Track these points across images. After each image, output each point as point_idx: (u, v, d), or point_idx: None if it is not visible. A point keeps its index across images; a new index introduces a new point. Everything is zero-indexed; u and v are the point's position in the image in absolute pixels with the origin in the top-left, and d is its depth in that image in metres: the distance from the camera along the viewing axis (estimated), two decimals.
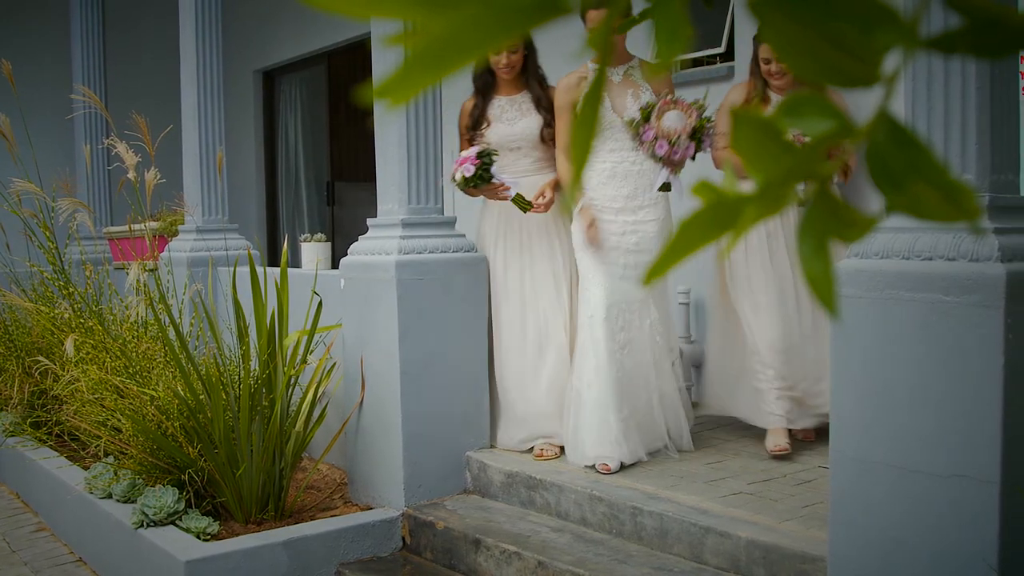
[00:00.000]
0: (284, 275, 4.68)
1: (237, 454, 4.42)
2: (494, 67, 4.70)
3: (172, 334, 4.67)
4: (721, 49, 6.20)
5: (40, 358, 5.87)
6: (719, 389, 4.99)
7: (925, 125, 2.72)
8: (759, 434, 4.73)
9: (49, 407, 6.17)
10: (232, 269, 5.25)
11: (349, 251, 4.83)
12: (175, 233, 7.07)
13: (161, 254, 6.76)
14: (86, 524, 4.94)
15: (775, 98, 4.64)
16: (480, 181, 4.43)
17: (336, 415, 4.96)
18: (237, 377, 4.55)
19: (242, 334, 4.66)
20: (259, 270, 4.77)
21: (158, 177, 5.11)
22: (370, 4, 0.45)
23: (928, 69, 2.69)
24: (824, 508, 3.45)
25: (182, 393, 4.49)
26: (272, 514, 4.52)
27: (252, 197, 10.88)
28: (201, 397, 4.47)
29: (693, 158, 4.26)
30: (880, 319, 2.77)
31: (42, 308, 6.33)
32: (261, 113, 11.01)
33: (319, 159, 10.49)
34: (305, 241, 6.46)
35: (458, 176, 4.45)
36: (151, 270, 5.54)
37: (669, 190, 4.38)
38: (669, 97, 4.29)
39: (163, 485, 4.48)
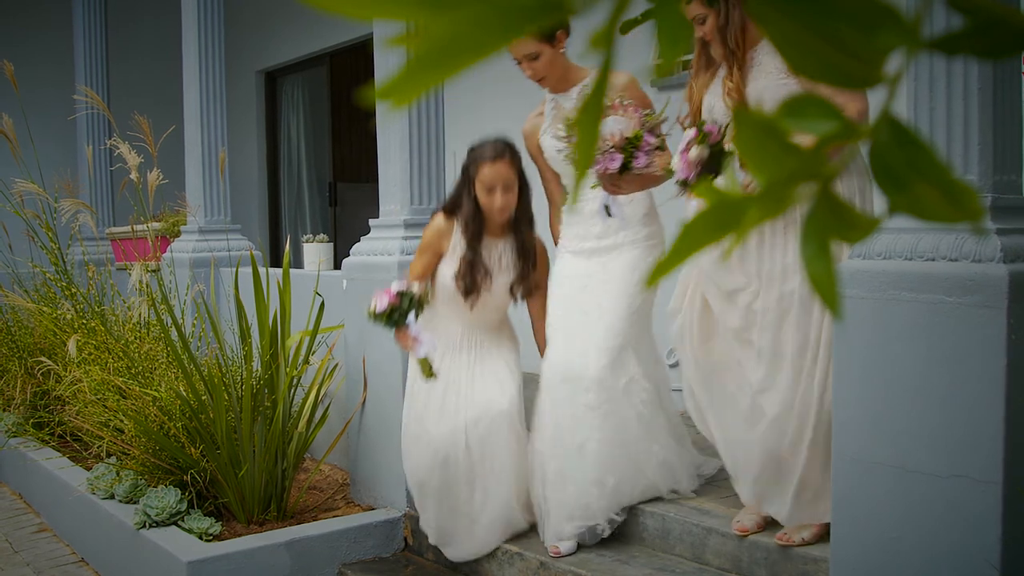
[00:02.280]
0: (286, 276, 4.68)
1: (239, 455, 4.42)
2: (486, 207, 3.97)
3: (174, 335, 4.68)
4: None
5: (43, 359, 5.87)
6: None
7: (927, 126, 2.72)
8: None
9: (51, 408, 6.18)
10: (234, 270, 5.26)
11: (351, 252, 4.83)
12: (177, 234, 7.08)
13: (163, 255, 6.77)
14: (88, 525, 4.95)
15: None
16: (388, 322, 3.77)
17: (338, 416, 4.96)
18: (239, 378, 4.55)
19: (244, 335, 4.66)
20: (261, 271, 4.77)
21: (160, 178, 5.11)
22: (372, 5, 0.45)
23: (930, 69, 2.69)
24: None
25: (184, 394, 4.49)
26: (274, 515, 4.52)
27: (254, 198, 10.89)
28: (203, 398, 4.47)
29: (620, 172, 3.40)
30: (882, 320, 2.77)
31: (44, 309, 6.34)
32: (263, 114, 11.01)
33: (321, 160, 10.50)
34: (307, 242, 6.46)
35: (372, 303, 3.80)
36: (153, 271, 5.55)
37: (609, 215, 3.68)
38: (620, 100, 3.49)
39: (165, 486, 4.48)
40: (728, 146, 3.14)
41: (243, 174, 10.66)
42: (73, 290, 6.06)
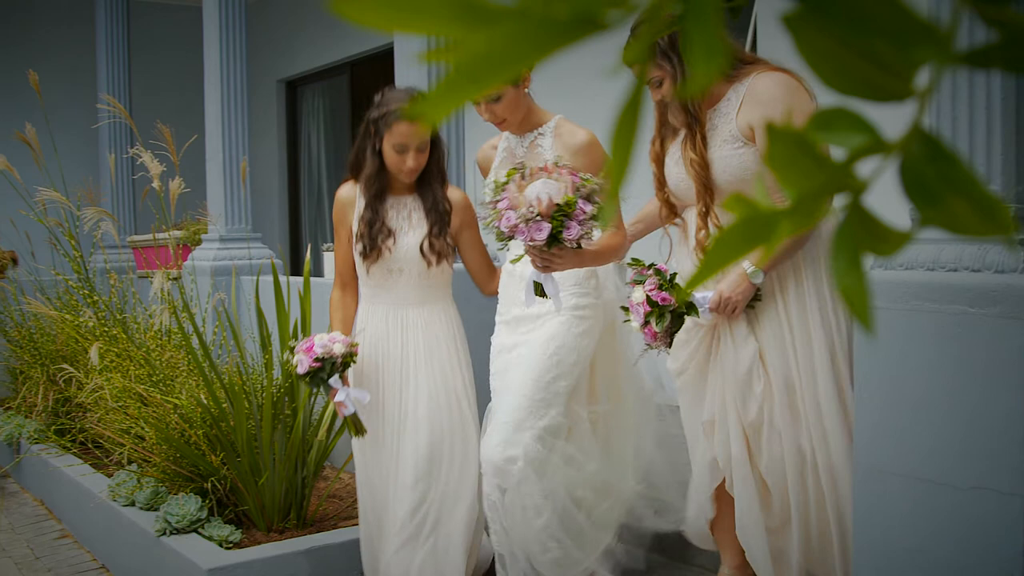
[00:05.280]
0: (307, 284, 4.70)
1: (259, 463, 4.43)
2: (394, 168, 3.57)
3: (195, 343, 4.69)
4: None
5: (64, 366, 5.90)
6: None
7: (949, 136, 2.71)
8: None
9: (73, 414, 6.21)
10: (255, 278, 5.28)
11: None
12: (198, 242, 7.11)
13: (185, 263, 6.80)
14: (109, 531, 4.97)
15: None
16: (311, 383, 3.48)
17: None
18: (260, 386, 4.56)
19: (265, 343, 4.68)
20: (282, 279, 4.79)
21: (182, 186, 5.14)
22: (408, 20, 0.45)
23: (952, 80, 2.68)
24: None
25: (205, 402, 4.51)
26: (294, 523, 4.53)
27: (275, 206, 10.93)
28: (224, 406, 4.49)
29: (548, 246, 2.98)
30: (904, 330, 2.76)
31: (67, 316, 6.38)
32: (284, 123, 11.07)
33: (341, 168, 10.53)
34: (328, 250, 6.48)
35: (293, 361, 3.48)
36: (175, 279, 5.57)
37: (542, 294, 3.18)
38: (555, 163, 3.06)
39: (186, 493, 4.49)
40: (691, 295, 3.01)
41: (264, 183, 10.71)
42: (95, 298, 6.09)
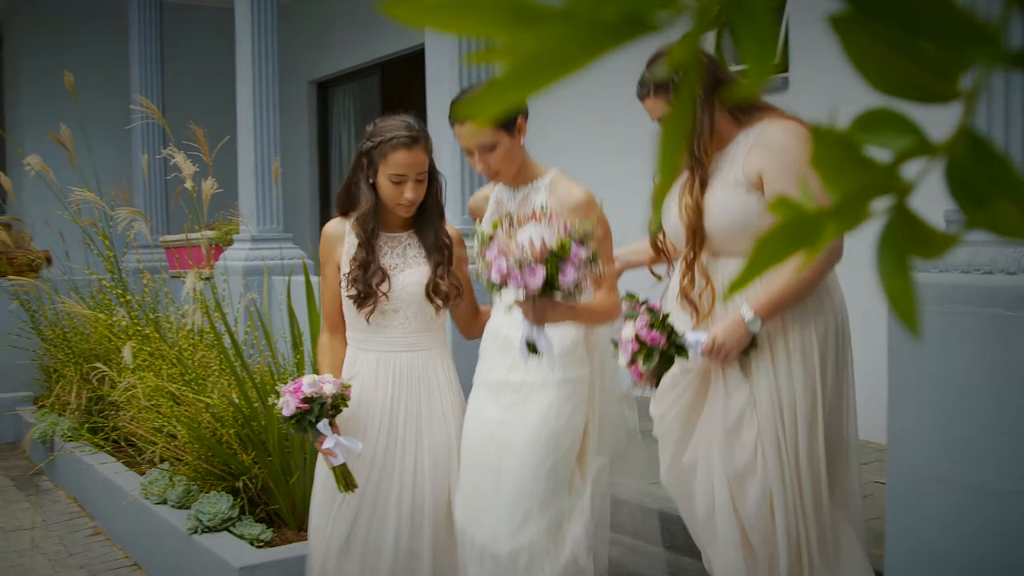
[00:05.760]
0: None
1: (291, 462, 4.45)
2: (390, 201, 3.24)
3: (227, 342, 4.72)
4: (774, 60, 6.16)
5: (98, 364, 5.95)
6: None
7: (999, 138, 2.68)
8: None
9: (106, 413, 6.26)
10: (287, 278, 5.30)
11: None
12: (230, 242, 7.16)
13: (216, 263, 6.84)
14: (141, 529, 5.01)
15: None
16: (297, 428, 3.14)
17: None
18: None
19: (296, 343, 4.70)
20: (313, 279, 4.80)
21: (215, 187, 5.17)
22: (457, 21, 0.45)
23: (1004, 80, 2.66)
24: (879, 524, 3.40)
25: (237, 401, 4.54)
26: None
27: (306, 206, 10.99)
28: (255, 405, 4.51)
29: (543, 294, 2.72)
30: (939, 333, 2.74)
31: (100, 315, 6.44)
32: (315, 123, 11.12)
33: None
34: None
35: (279, 403, 3.14)
36: (207, 279, 5.60)
37: (536, 352, 2.89)
38: (542, 210, 2.88)
39: (217, 492, 4.52)
40: (680, 335, 2.85)
41: (295, 183, 10.76)
42: (128, 297, 6.15)
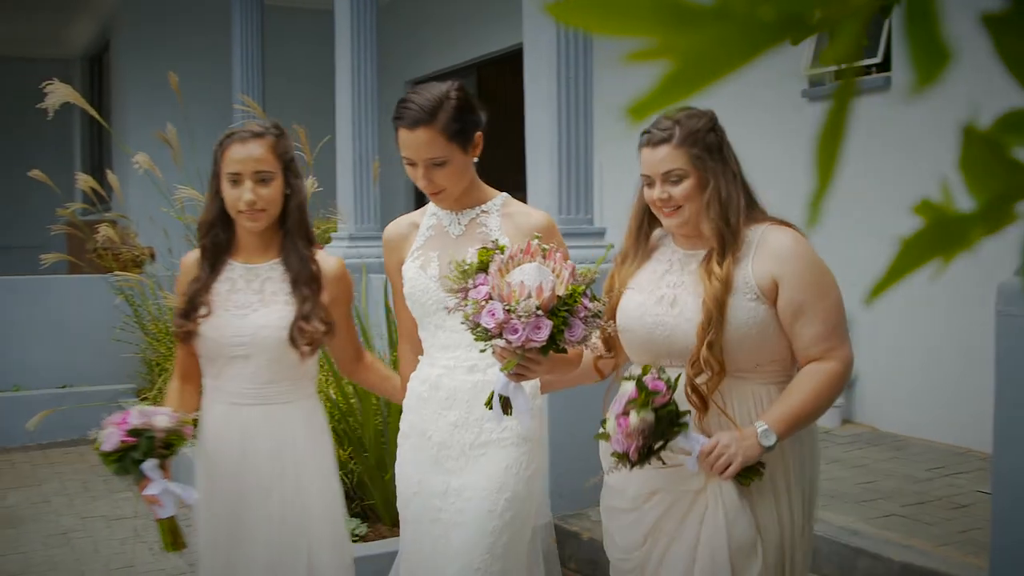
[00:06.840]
0: None
1: (386, 458, 4.50)
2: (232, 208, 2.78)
3: None
4: (877, 59, 6.05)
5: None
6: None
7: None
8: (914, 455, 4.60)
9: None
10: (384, 276, 5.35)
11: None
12: (328, 240, 7.25)
13: None
14: None
15: (662, 240, 2.68)
16: (119, 468, 2.56)
17: None
18: None
19: (393, 341, 4.75)
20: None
21: (315, 185, 5.25)
22: (615, 22, 0.46)
23: None
24: (982, 534, 3.33)
25: (334, 397, 4.60)
26: None
27: (402, 205, 11.09)
28: (352, 401, 4.57)
29: (545, 352, 2.30)
30: None
31: None
32: None
33: None
34: None
35: (100, 436, 2.56)
36: None
37: (509, 412, 2.43)
38: (539, 244, 2.37)
39: None
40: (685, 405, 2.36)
41: (392, 182, 10.86)
42: None
